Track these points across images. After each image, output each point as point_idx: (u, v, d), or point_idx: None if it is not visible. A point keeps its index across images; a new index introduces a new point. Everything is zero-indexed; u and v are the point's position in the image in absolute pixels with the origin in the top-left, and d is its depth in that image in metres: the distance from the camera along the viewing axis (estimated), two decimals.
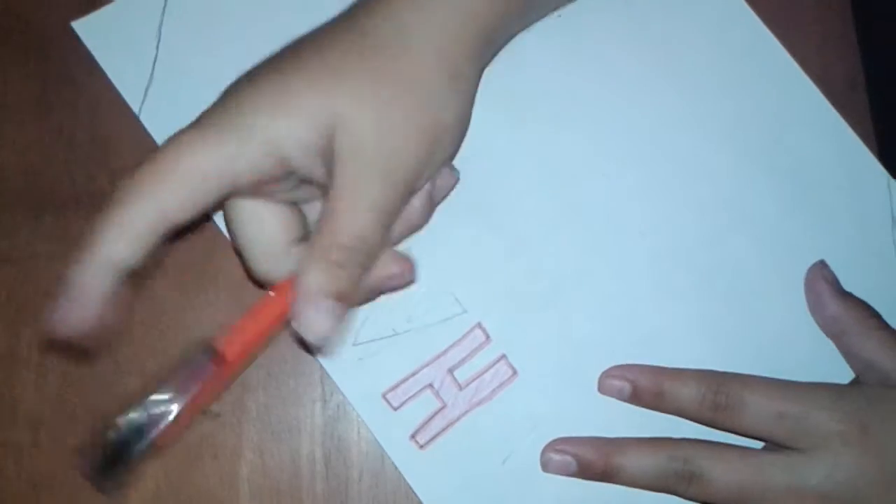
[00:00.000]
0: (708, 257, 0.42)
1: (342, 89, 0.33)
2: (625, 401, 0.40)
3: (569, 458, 0.40)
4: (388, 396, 0.41)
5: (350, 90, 0.33)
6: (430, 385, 0.41)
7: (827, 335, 0.42)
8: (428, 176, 0.36)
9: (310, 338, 0.33)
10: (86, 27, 0.43)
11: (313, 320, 0.32)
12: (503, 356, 0.41)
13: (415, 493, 0.41)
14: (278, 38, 0.36)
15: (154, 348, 0.42)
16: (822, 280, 0.41)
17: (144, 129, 0.42)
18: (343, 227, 0.33)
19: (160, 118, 0.42)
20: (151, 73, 0.42)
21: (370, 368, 0.41)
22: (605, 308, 0.42)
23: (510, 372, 0.41)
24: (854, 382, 0.41)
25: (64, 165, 0.43)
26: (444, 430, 0.41)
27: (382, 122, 0.33)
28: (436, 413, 0.41)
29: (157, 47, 0.43)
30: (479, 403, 0.41)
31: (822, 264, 0.42)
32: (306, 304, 0.32)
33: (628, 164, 0.43)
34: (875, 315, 0.41)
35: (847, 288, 0.42)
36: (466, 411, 0.41)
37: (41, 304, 0.41)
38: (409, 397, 0.41)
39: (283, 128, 0.32)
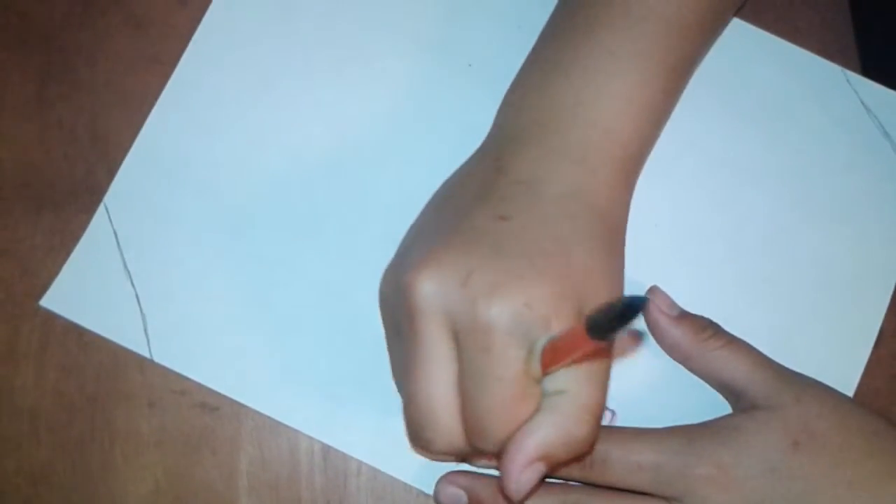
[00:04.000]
0: (723, 247, 0.43)
1: (592, 290, 0.34)
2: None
3: (460, 493, 0.39)
4: None
5: (596, 286, 0.34)
6: None
7: (676, 361, 0.41)
8: None
9: None
10: (55, 299, 0.41)
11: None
12: None
13: (412, 487, 0.41)
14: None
15: None
16: (655, 309, 0.41)
17: (144, 124, 0.43)
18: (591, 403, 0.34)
19: (171, 348, 0.41)
20: (141, 312, 0.41)
21: None
22: None
23: (609, 414, 0.41)
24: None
25: (63, 160, 0.43)
26: None
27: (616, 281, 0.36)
28: None
29: (133, 284, 0.41)
30: None
31: (653, 291, 0.41)
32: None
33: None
34: (714, 332, 0.40)
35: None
36: None
37: (40, 298, 0.41)
38: None
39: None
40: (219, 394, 0.41)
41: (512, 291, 0.32)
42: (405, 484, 0.41)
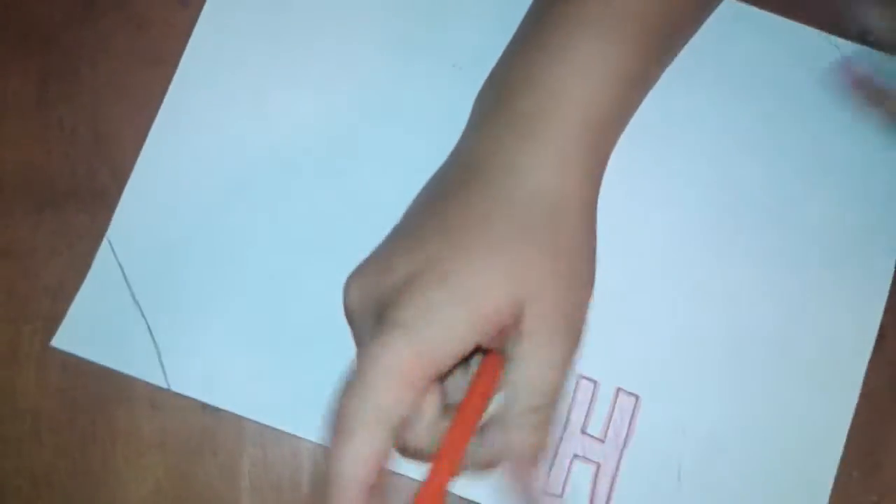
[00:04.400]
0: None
1: (526, 271, 0.33)
2: None
3: None
4: (548, 489, 0.40)
5: (531, 267, 0.33)
6: (576, 455, 0.41)
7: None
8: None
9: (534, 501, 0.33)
10: (66, 338, 0.41)
11: (531, 482, 0.33)
12: (619, 389, 0.41)
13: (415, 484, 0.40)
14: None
15: None
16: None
17: (145, 124, 0.43)
18: (539, 388, 0.33)
19: (186, 376, 0.41)
20: (155, 344, 0.41)
21: None
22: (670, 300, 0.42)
23: (633, 398, 0.41)
24: None
25: (65, 160, 0.43)
26: (612, 485, 0.40)
27: (560, 288, 0.33)
28: (596, 475, 0.41)
29: (144, 316, 0.41)
30: (627, 443, 0.41)
31: None
32: (527, 468, 0.33)
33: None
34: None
35: None
36: (620, 457, 0.41)
37: (42, 299, 0.41)
38: (565, 477, 0.41)
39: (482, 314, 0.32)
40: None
41: (420, 257, 0.32)
42: (408, 484, 0.40)
